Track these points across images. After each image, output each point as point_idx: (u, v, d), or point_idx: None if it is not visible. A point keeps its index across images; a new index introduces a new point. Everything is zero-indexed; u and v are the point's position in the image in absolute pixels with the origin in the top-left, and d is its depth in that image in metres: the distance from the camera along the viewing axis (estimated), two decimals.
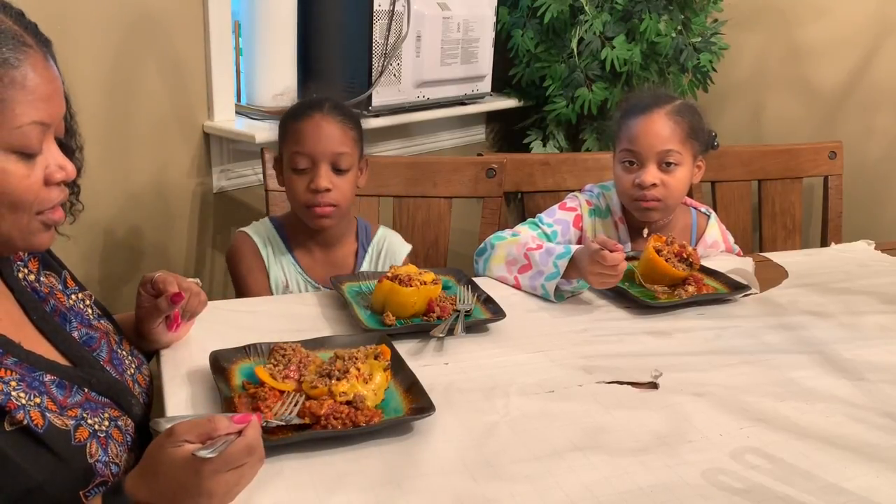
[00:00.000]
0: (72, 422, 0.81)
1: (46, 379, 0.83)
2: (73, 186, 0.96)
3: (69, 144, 0.91)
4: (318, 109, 1.36)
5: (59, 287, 0.97)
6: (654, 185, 1.47)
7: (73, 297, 0.99)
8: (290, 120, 1.38)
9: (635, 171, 1.49)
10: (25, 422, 0.77)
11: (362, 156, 1.43)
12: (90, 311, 1.00)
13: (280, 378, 0.97)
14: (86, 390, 0.87)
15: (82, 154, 0.95)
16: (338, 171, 1.36)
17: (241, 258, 1.42)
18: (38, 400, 0.80)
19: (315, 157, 1.34)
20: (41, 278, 0.95)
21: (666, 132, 1.47)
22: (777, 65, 2.50)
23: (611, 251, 1.26)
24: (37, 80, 0.79)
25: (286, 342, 1.05)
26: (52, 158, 0.83)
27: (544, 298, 1.35)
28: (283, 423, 0.89)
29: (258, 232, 1.44)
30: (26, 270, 0.93)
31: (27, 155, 0.80)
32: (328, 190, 1.34)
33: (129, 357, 1.01)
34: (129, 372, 0.98)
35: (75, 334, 0.94)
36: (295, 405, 0.92)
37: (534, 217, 1.59)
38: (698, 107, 1.54)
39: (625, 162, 1.50)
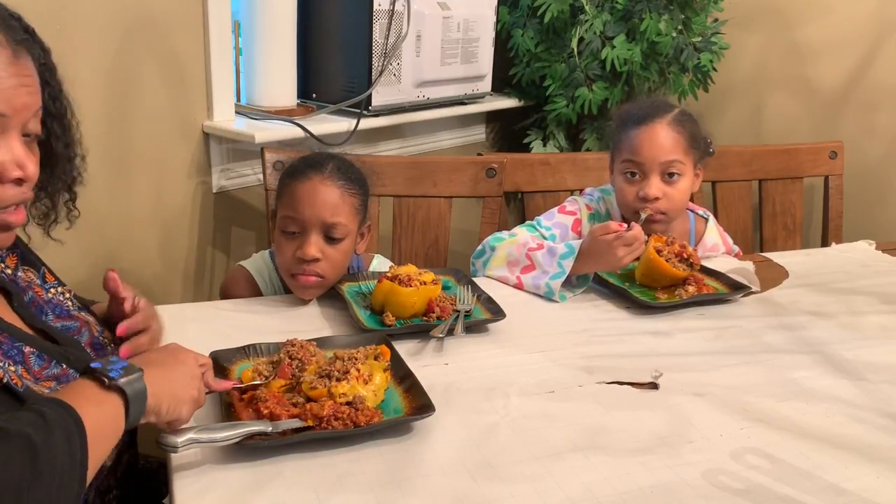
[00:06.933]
0: (46, 391, 0.82)
1: (26, 350, 0.83)
2: (70, 192, 0.96)
3: (64, 152, 0.91)
4: (319, 171, 1.27)
5: (38, 282, 0.98)
6: (657, 198, 1.45)
7: (52, 290, 0.99)
8: (288, 178, 1.29)
9: (638, 182, 1.47)
10: (6, 380, 0.77)
11: (365, 221, 1.34)
12: (70, 303, 1.00)
13: (260, 377, 0.97)
14: (64, 366, 0.87)
15: (84, 163, 0.95)
16: (330, 239, 1.26)
17: (236, 291, 1.38)
18: (12, 368, 0.80)
19: (306, 224, 1.25)
20: (19, 273, 0.96)
21: (668, 143, 1.45)
22: (777, 64, 2.50)
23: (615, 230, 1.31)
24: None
25: (297, 339, 1.05)
26: (11, 154, 0.81)
27: (546, 298, 1.35)
28: (287, 429, 0.89)
29: (257, 266, 1.40)
30: (3, 265, 0.94)
31: None
32: (316, 260, 1.25)
33: (112, 346, 1.01)
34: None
35: (51, 325, 0.94)
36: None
37: (532, 218, 1.59)
38: (695, 114, 1.53)
39: (626, 173, 1.48)
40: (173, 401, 0.82)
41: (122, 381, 0.75)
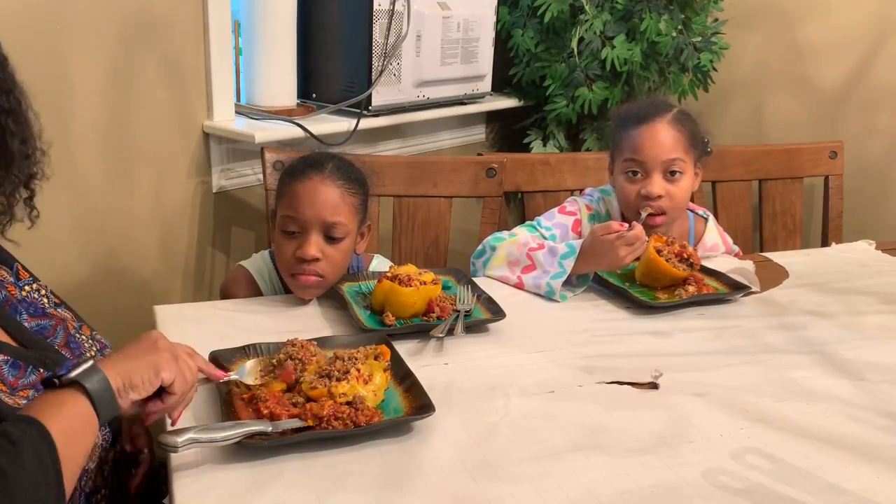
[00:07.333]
0: (24, 402, 0.81)
1: None
2: (27, 188, 0.94)
3: (20, 148, 0.89)
4: (319, 171, 1.27)
5: (11, 280, 0.97)
6: (659, 196, 1.45)
7: (27, 287, 0.98)
8: (288, 178, 1.29)
9: (640, 181, 1.47)
10: None
11: (365, 220, 1.34)
12: (45, 300, 0.99)
13: (258, 378, 0.97)
14: (41, 370, 0.86)
15: (45, 157, 0.93)
16: (330, 239, 1.26)
17: (236, 291, 1.38)
18: None
19: (306, 224, 1.24)
20: None
21: (670, 141, 1.45)
22: (778, 64, 2.50)
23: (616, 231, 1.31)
24: None
25: (297, 339, 1.04)
26: None
27: (547, 297, 1.35)
28: (287, 429, 0.89)
29: (257, 266, 1.40)
30: None
31: None
32: (316, 259, 1.24)
33: (90, 341, 1.01)
34: (88, 354, 0.98)
35: (25, 325, 0.94)
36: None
37: (532, 218, 1.59)
38: (694, 113, 1.53)
39: (628, 172, 1.48)
40: (144, 367, 0.80)
41: (73, 374, 0.75)
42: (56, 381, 0.75)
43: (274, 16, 1.83)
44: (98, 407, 0.75)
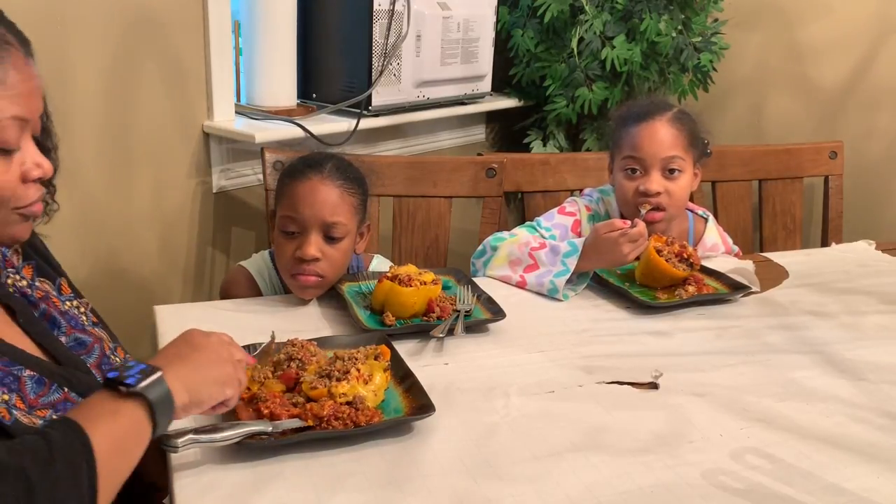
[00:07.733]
0: (40, 422, 0.80)
1: (25, 374, 0.82)
2: (48, 186, 0.95)
3: (45, 144, 0.91)
4: (318, 171, 1.27)
5: (54, 293, 0.97)
6: (658, 193, 1.46)
7: (68, 303, 0.98)
8: (287, 178, 1.29)
9: (639, 178, 1.47)
10: None
11: (364, 220, 1.34)
12: (84, 318, 0.99)
13: (260, 378, 0.97)
14: (66, 390, 0.86)
15: (57, 154, 0.95)
16: (330, 239, 1.26)
17: (236, 291, 1.39)
18: (5, 397, 0.79)
19: (305, 224, 1.25)
20: (35, 284, 0.95)
21: (669, 139, 1.46)
22: (778, 64, 2.50)
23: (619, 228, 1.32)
24: (17, 77, 0.79)
25: (297, 339, 1.04)
26: (30, 156, 0.83)
27: (550, 296, 1.35)
28: (287, 429, 0.89)
29: (257, 266, 1.40)
30: (18, 277, 0.93)
31: (4, 151, 0.80)
32: (316, 259, 1.25)
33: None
34: None
35: (62, 339, 0.93)
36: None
37: (532, 219, 1.59)
38: (694, 114, 1.54)
39: (627, 170, 1.49)
40: (213, 384, 0.81)
41: (141, 386, 0.73)
42: (122, 388, 0.72)
43: (274, 16, 1.84)
44: (157, 420, 0.74)
